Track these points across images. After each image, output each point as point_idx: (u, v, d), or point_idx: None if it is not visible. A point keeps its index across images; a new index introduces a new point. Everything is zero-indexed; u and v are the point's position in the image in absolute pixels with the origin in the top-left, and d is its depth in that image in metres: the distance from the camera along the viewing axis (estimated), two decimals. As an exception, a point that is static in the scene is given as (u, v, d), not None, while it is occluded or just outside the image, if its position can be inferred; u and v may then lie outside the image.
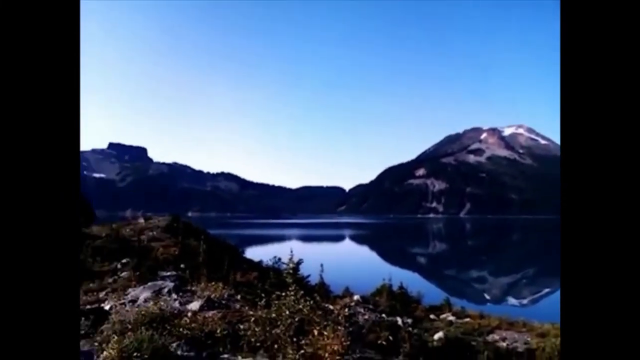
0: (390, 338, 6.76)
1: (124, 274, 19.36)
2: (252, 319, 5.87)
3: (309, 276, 9.99)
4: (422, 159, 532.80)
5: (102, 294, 14.51)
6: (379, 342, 6.55)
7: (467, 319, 17.74)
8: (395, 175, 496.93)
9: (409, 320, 14.32)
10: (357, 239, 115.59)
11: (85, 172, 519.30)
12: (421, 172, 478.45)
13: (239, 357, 5.25)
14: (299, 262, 8.84)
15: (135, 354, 4.78)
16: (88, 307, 8.93)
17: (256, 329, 5.54)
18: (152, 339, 4.97)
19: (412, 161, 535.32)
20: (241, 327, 5.86)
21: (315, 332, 4.83)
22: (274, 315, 5.66)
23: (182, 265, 20.24)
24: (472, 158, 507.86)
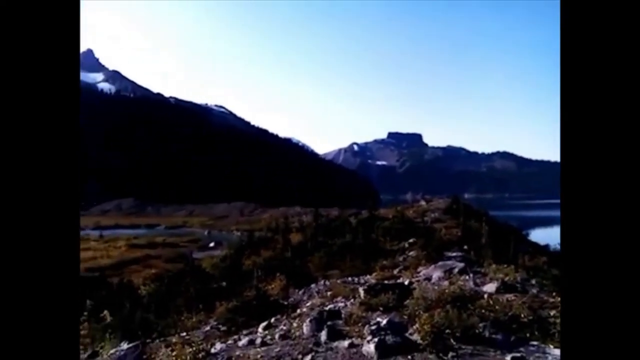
0: None
1: (411, 252, 20.85)
2: (559, 307, 5.32)
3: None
4: None
5: (395, 271, 15.95)
6: None
7: None
8: None
9: None
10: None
11: (369, 161, 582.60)
12: None
13: (550, 347, 4.82)
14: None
15: (446, 330, 5.02)
16: (387, 281, 9.96)
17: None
18: (460, 318, 5.12)
19: None
20: (550, 313, 5.39)
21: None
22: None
23: (465, 247, 20.38)
24: None
